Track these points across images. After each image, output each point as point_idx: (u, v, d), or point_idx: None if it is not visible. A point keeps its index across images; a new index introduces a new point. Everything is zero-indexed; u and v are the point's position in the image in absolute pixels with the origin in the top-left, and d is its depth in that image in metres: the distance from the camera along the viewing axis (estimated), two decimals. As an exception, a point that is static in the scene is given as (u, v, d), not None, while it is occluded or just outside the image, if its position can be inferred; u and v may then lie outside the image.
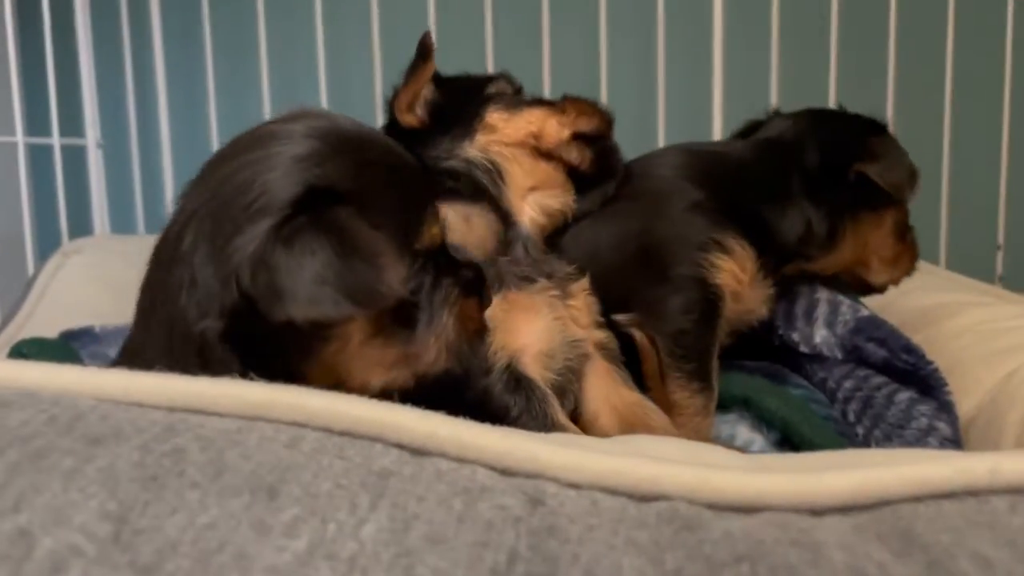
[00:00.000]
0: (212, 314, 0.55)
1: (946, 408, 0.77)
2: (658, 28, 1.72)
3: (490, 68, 1.72)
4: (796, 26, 1.71)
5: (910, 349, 0.81)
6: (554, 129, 0.88)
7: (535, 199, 0.88)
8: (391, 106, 0.90)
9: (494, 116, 0.88)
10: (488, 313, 0.70)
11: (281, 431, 0.37)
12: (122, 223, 1.99)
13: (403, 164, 0.64)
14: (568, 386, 0.80)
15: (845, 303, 0.86)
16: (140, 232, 1.95)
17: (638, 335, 0.86)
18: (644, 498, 0.36)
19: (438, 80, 0.90)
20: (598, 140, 0.91)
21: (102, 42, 1.92)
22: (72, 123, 1.88)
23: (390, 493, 0.34)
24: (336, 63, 1.89)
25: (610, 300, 0.86)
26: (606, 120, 0.92)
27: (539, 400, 0.74)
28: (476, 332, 0.68)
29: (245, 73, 1.97)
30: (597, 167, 0.91)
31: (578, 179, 0.90)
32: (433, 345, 0.64)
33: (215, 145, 1.90)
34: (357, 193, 0.57)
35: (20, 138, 1.77)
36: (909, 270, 0.98)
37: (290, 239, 0.53)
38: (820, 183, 0.93)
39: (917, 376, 0.79)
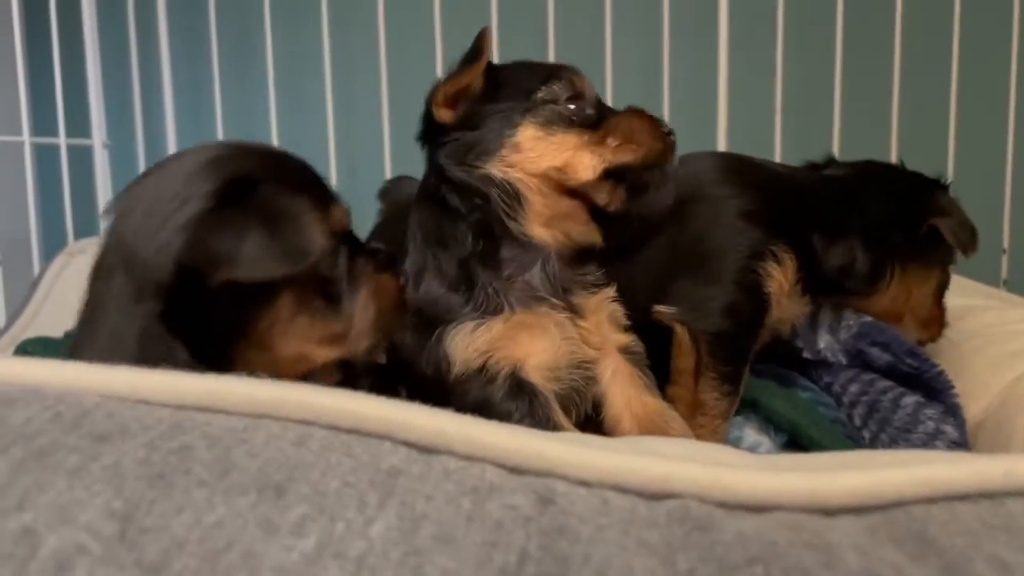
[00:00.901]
0: (148, 295, 0.61)
1: (953, 411, 0.76)
2: (663, 30, 1.72)
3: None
4: (801, 32, 1.71)
5: (914, 353, 0.81)
6: (583, 166, 0.79)
7: (560, 227, 0.82)
8: (429, 97, 0.83)
9: (526, 134, 0.80)
10: (484, 338, 0.74)
11: (288, 429, 0.37)
12: (127, 224, 1.99)
13: (303, 163, 0.72)
14: (571, 404, 0.80)
15: (848, 309, 0.86)
16: (145, 233, 1.95)
17: (679, 329, 0.86)
18: (655, 496, 0.36)
19: (489, 68, 0.82)
20: (649, 169, 0.81)
21: (109, 43, 1.92)
22: (78, 124, 1.88)
23: (399, 492, 0.34)
24: (342, 65, 1.89)
25: (653, 293, 0.86)
26: (657, 150, 0.80)
27: (541, 405, 0.73)
28: (395, 308, 0.75)
29: (251, 74, 1.97)
30: (632, 205, 0.81)
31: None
32: (356, 320, 0.71)
33: (220, 146, 1.91)
34: (272, 179, 0.65)
35: (27, 138, 1.77)
36: (935, 337, 0.98)
37: (223, 212, 0.60)
38: (881, 228, 0.95)
39: (922, 380, 0.79)
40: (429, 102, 0.83)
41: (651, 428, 0.76)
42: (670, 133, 0.82)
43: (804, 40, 1.71)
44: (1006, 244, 1.65)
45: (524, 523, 0.33)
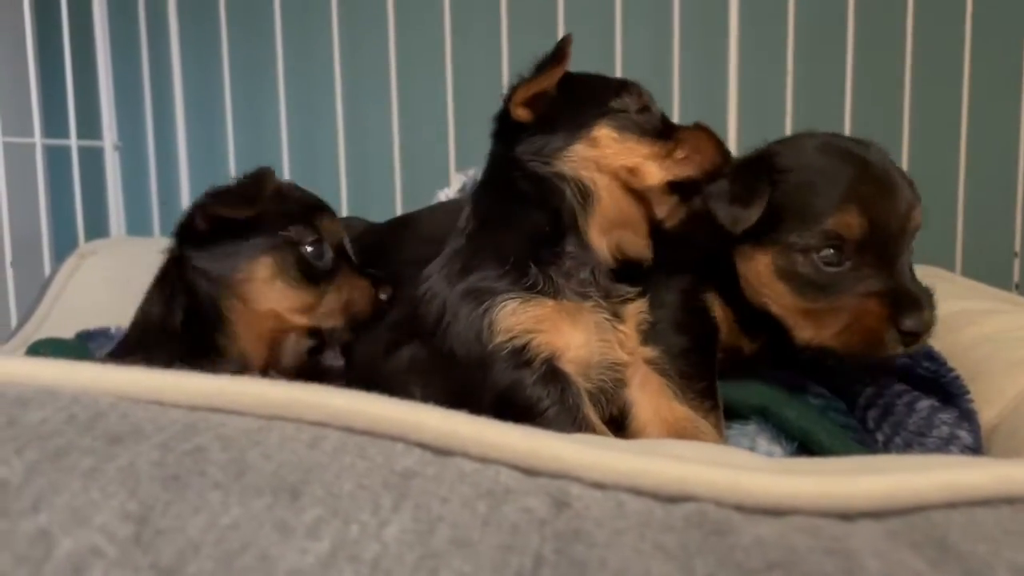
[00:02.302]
0: (174, 237, 0.92)
1: (967, 416, 0.75)
2: (674, 31, 1.72)
3: (505, 77, 1.72)
4: (812, 33, 1.70)
5: (931, 356, 0.80)
6: (651, 172, 0.82)
7: (615, 237, 0.84)
8: (508, 97, 0.86)
9: (603, 131, 0.83)
10: (532, 313, 0.77)
11: (302, 430, 0.36)
12: (138, 225, 2.01)
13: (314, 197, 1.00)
14: (597, 404, 0.80)
15: None
16: (156, 234, 1.96)
17: (718, 310, 0.88)
18: (671, 499, 0.35)
19: (563, 77, 0.85)
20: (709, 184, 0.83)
21: (120, 45, 1.93)
22: (89, 125, 1.89)
23: (413, 494, 0.33)
24: (352, 68, 1.89)
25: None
26: (719, 166, 0.83)
27: (573, 395, 0.74)
28: (366, 304, 0.93)
29: (262, 76, 1.97)
30: (690, 228, 0.84)
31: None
32: (327, 300, 0.91)
33: (231, 149, 1.91)
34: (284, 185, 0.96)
35: (38, 139, 1.78)
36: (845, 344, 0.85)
37: (237, 184, 0.92)
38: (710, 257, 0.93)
39: (938, 384, 0.78)
40: (507, 101, 0.86)
41: (681, 435, 0.77)
42: (729, 152, 0.85)
43: (815, 43, 1.71)
44: (1017, 248, 1.64)
45: (539, 526, 0.33)
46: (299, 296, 0.89)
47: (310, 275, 0.89)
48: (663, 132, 0.85)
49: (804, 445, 0.73)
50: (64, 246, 1.79)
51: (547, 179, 0.83)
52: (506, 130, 0.87)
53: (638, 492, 0.35)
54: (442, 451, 0.37)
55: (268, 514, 0.31)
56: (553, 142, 0.83)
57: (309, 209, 0.93)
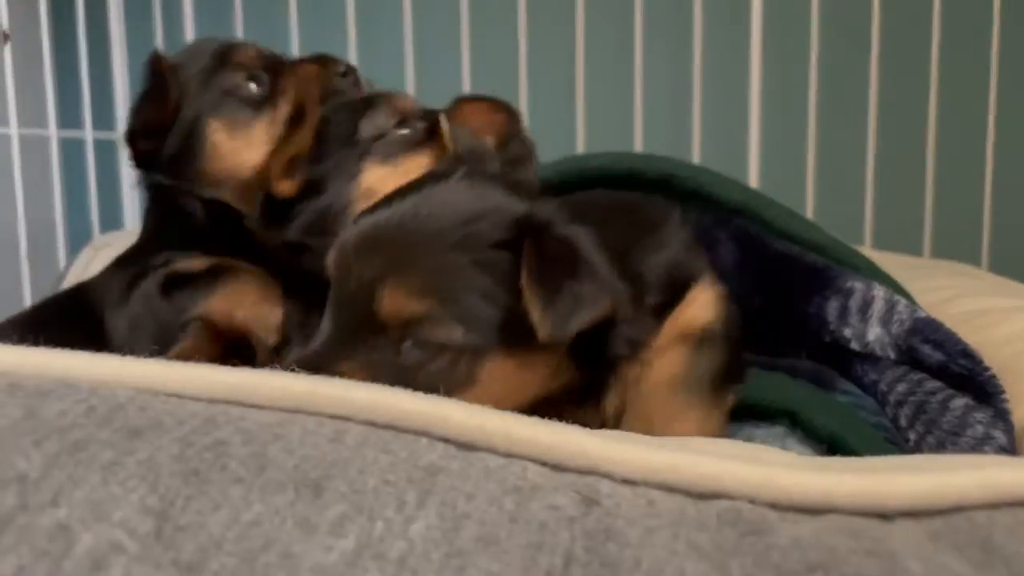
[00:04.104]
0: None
1: (1003, 416, 0.73)
2: (695, 32, 1.70)
3: (523, 81, 1.71)
4: (836, 29, 1.68)
5: (968, 354, 0.78)
6: None
7: None
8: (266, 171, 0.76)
9: (372, 176, 0.74)
10: None
11: (324, 424, 0.36)
12: (152, 218, 2.00)
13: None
14: None
15: (902, 302, 0.82)
16: (170, 227, 1.96)
17: None
18: (703, 496, 0.34)
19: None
20: None
21: (135, 36, 1.93)
22: (104, 117, 1.89)
23: (438, 490, 0.33)
24: (368, 63, 1.88)
25: None
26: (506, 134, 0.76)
27: None
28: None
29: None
30: None
31: None
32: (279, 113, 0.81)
33: (245, 140, 1.91)
34: None
35: (53, 132, 1.78)
36: None
37: None
38: None
39: (974, 382, 0.76)
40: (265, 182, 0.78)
41: None
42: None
43: (839, 38, 1.69)
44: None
45: (568, 524, 0.32)
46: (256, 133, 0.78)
47: (255, 106, 0.79)
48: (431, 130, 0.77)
49: (834, 450, 0.72)
50: (78, 238, 1.79)
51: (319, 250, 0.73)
52: (276, 212, 0.77)
53: (669, 489, 0.34)
54: (467, 446, 0.36)
55: (291, 510, 0.30)
56: (329, 210, 0.74)
57: (217, 55, 0.82)
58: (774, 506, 0.34)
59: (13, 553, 0.27)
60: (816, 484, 0.34)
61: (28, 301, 1.79)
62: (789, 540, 0.31)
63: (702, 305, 0.67)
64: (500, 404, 0.43)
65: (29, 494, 0.30)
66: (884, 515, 0.33)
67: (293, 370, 0.41)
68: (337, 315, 0.56)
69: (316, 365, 0.50)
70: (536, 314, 0.51)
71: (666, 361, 0.63)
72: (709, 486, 0.34)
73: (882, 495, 0.33)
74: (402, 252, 0.54)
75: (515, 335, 0.53)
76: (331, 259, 0.58)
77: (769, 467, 0.35)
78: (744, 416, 0.79)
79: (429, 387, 0.42)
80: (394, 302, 0.53)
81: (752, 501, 0.34)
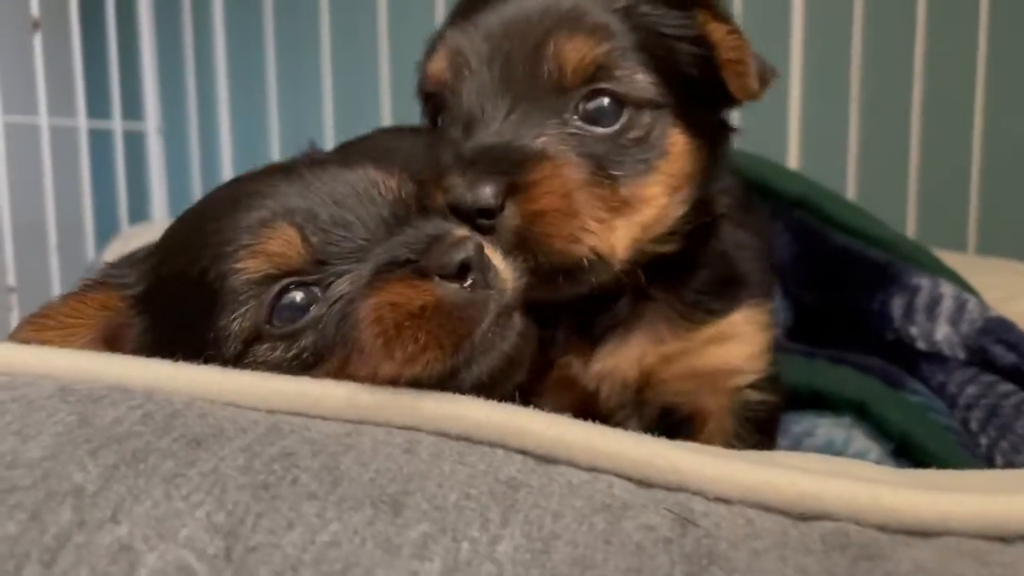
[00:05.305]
0: None
1: (1079, 420, 0.70)
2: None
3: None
4: (881, 17, 1.63)
5: (1042, 355, 0.74)
6: None
7: None
8: None
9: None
10: None
11: (395, 435, 0.33)
12: (180, 209, 1.98)
13: None
14: None
15: (971, 300, 0.79)
16: (198, 218, 1.95)
17: None
18: (803, 517, 0.32)
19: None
20: None
21: (164, 29, 1.92)
22: (132, 109, 1.88)
23: (522, 506, 0.30)
24: (398, 48, 1.86)
25: None
26: None
27: None
28: None
29: (305, 61, 1.95)
30: None
31: None
32: None
33: (273, 133, 1.89)
34: None
35: (82, 123, 1.77)
36: None
37: None
38: None
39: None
40: None
41: None
42: None
43: (883, 25, 1.64)
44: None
45: (666, 546, 0.29)
46: None
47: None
48: None
49: (904, 448, 0.68)
50: (107, 230, 1.78)
51: None
52: None
53: (767, 508, 0.32)
54: (546, 459, 0.34)
55: (370, 529, 0.28)
56: None
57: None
58: (882, 528, 0.31)
59: (74, 577, 0.25)
60: (931, 505, 0.31)
61: (56, 292, 1.78)
62: (910, 566, 0.28)
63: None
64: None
65: (86, 509, 0.28)
66: (1005, 538, 0.31)
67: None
68: (499, 95, 0.49)
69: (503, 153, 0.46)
70: (740, 66, 0.52)
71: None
72: (810, 506, 0.32)
73: (1003, 518, 0.31)
74: (565, 13, 0.50)
75: (693, 100, 0.53)
76: (455, 57, 0.52)
77: (874, 485, 0.32)
78: (807, 405, 0.76)
79: (627, 161, 0.46)
80: (575, 47, 0.49)
81: (858, 523, 0.31)
